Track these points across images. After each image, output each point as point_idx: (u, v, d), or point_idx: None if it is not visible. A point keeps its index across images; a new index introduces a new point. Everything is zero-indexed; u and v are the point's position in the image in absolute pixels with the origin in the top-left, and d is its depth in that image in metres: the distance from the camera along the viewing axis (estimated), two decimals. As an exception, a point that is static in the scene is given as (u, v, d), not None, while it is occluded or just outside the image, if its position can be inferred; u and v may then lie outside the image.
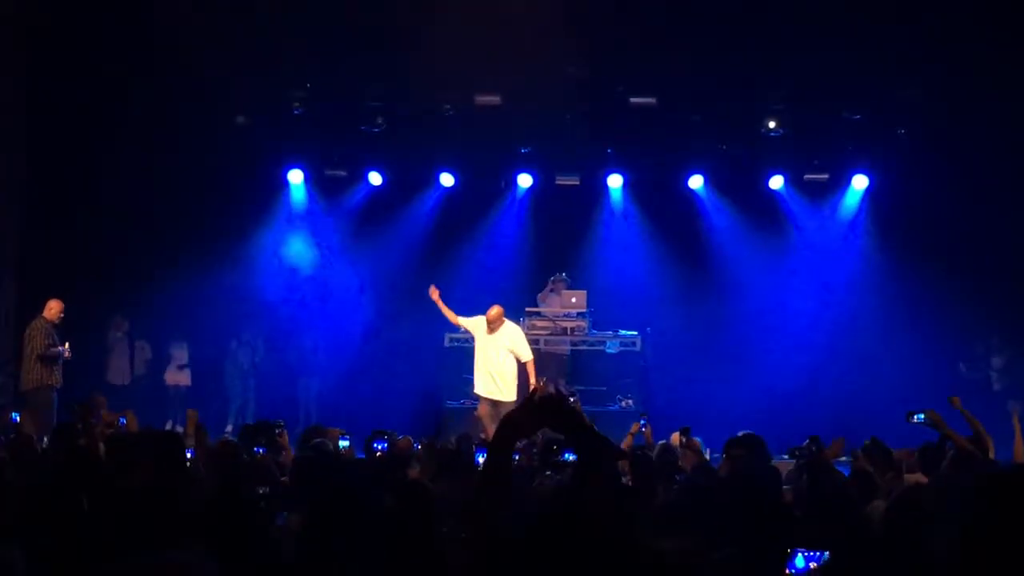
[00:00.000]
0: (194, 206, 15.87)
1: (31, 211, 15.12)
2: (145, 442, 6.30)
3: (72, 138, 14.96)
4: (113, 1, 14.11)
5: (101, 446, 8.22)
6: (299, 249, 17.04)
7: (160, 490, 4.38)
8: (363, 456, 8.55)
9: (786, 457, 9.55)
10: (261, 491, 5.63)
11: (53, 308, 13.12)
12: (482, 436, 10.60)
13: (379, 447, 7.94)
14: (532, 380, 12.80)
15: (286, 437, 9.02)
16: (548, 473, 7.35)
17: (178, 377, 16.34)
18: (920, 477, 7.59)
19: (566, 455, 7.33)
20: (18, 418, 10.51)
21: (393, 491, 5.04)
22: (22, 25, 14.44)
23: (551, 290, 15.47)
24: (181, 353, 16.35)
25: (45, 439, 9.08)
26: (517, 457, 7.89)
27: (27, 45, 14.54)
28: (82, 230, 15.24)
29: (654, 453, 8.51)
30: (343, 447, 8.65)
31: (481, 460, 7.24)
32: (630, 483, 7.08)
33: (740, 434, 8.90)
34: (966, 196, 15.18)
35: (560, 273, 15.60)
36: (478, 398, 13.14)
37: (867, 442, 8.48)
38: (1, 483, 5.75)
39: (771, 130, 15.40)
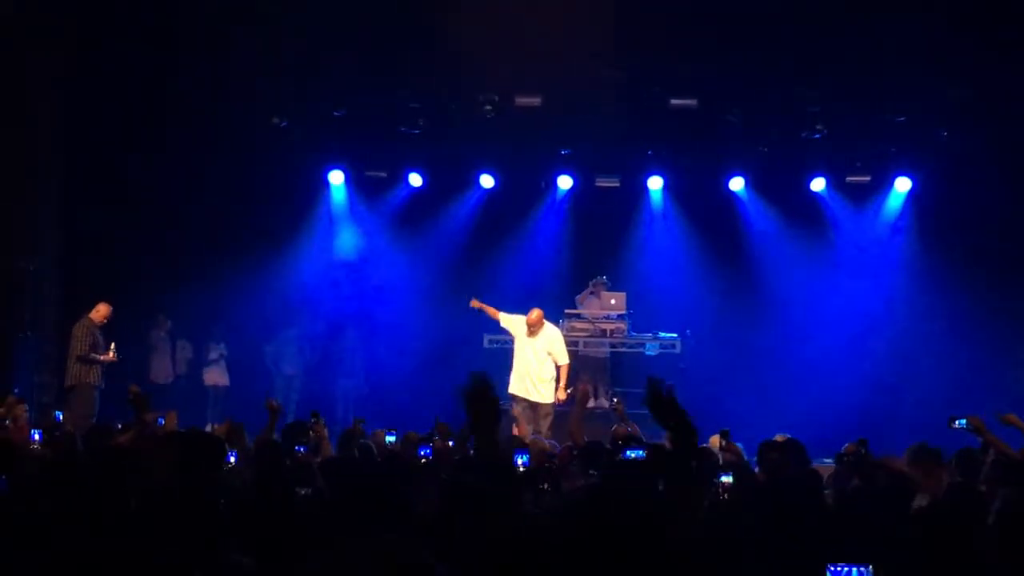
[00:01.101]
0: (236, 207, 15.99)
1: (74, 211, 15.25)
2: (176, 442, 6.31)
3: (112, 141, 15.09)
4: (152, 3, 14.22)
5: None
6: (340, 250, 17.11)
7: (182, 491, 4.40)
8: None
9: (827, 461, 9.49)
10: (303, 492, 5.62)
11: (101, 311, 13.29)
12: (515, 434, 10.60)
13: (424, 453, 7.95)
14: (563, 383, 12.83)
15: (322, 429, 9.01)
16: (592, 473, 7.34)
17: (217, 377, 16.43)
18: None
19: (627, 453, 7.32)
20: (61, 417, 10.62)
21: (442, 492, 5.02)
22: (62, 28, 14.59)
23: (591, 292, 15.44)
24: (220, 353, 16.45)
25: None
26: (555, 459, 7.89)
27: (66, 46, 14.67)
28: (124, 231, 15.37)
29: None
30: (389, 442, 8.68)
31: (520, 461, 7.23)
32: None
33: (776, 437, 8.87)
34: (1010, 198, 15.03)
35: (600, 276, 15.57)
36: (513, 398, 13.09)
37: (915, 446, 8.43)
38: (38, 481, 5.79)
39: (813, 131, 15.30)
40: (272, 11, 13.85)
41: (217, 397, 16.32)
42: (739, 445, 9.13)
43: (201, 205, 15.84)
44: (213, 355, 16.45)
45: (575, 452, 8.35)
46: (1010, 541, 4.58)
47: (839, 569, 3.67)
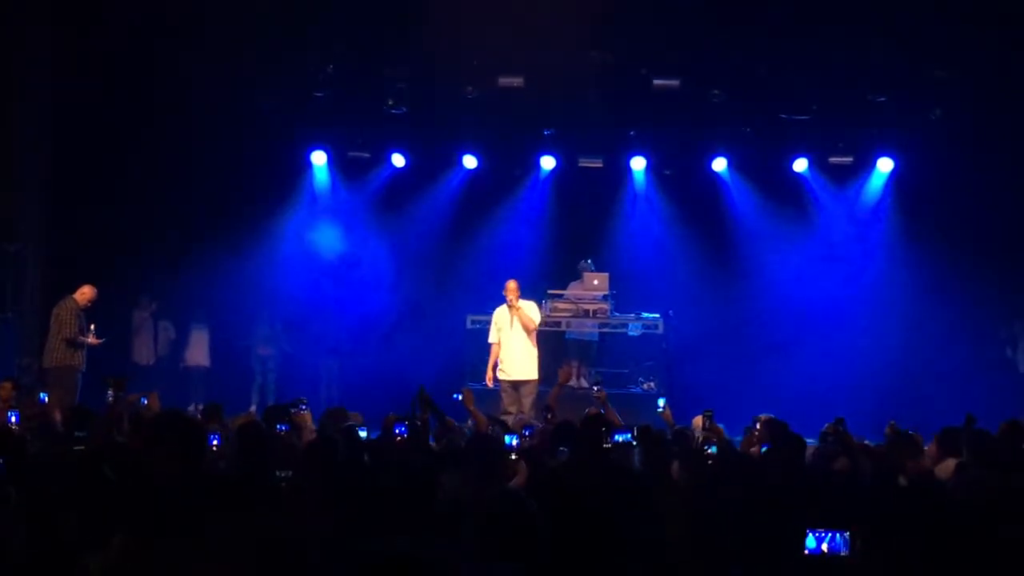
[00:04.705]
0: (218, 188, 15.92)
1: (58, 193, 15.20)
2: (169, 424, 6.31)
3: (97, 121, 15.01)
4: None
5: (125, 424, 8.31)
6: (322, 231, 17.06)
7: (183, 474, 4.41)
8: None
9: (810, 440, 9.54)
10: (281, 474, 5.59)
11: (86, 294, 13.13)
12: (502, 417, 10.59)
13: (399, 431, 7.92)
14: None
15: (307, 416, 9.00)
16: (562, 449, 7.36)
17: (198, 358, 16.42)
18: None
19: (616, 436, 7.34)
20: (46, 399, 10.55)
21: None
22: (46, 13, 14.52)
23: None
24: (202, 335, 16.43)
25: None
26: (529, 433, 7.93)
27: (50, 31, 14.61)
28: (108, 212, 15.31)
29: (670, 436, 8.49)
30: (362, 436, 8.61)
31: (514, 443, 7.25)
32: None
33: (759, 417, 8.93)
34: (991, 179, 15.10)
35: (586, 260, 15.57)
36: (499, 384, 12.92)
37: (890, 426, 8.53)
38: (24, 463, 5.78)
39: (795, 112, 15.29)
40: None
41: (198, 378, 16.31)
42: (721, 426, 9.17)
43: (184, 187, 15.76)
44: (195, 336, 16.43)
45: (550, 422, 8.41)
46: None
47: (819, 534, 3.73)
